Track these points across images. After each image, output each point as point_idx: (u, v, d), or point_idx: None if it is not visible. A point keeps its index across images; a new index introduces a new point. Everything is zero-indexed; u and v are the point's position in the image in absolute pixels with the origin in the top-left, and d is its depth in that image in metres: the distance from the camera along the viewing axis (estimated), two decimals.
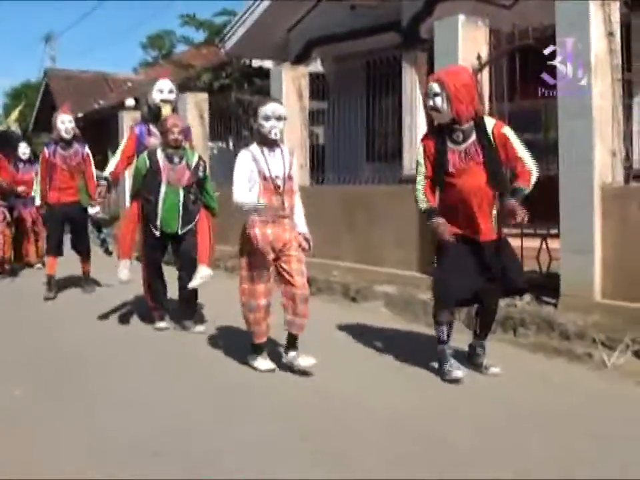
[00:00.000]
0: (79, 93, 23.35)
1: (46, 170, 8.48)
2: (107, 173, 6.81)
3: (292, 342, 5.13)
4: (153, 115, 6.81)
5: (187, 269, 6.53)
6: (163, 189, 6.38)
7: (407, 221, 7.47)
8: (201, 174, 6.51)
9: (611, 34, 6.07)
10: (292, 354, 5.10)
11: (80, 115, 21.56)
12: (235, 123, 13.05)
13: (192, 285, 6.45)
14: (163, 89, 6.81)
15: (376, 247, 8.53)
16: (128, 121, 14.78)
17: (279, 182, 5.06)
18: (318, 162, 10.59)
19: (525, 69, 6.97)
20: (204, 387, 4.86)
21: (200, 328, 6.57)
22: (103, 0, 52.85)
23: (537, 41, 6.75)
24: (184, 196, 6.44)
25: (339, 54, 12.10)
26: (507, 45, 7.17)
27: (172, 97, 6.88)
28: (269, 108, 5.04)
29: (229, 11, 15.04)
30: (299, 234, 5.16)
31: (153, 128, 6.76)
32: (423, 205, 4.90)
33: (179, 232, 6.49)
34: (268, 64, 14.06)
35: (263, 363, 5.21)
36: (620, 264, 5.85)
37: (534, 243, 6.80)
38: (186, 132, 6.72)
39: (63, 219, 8.56)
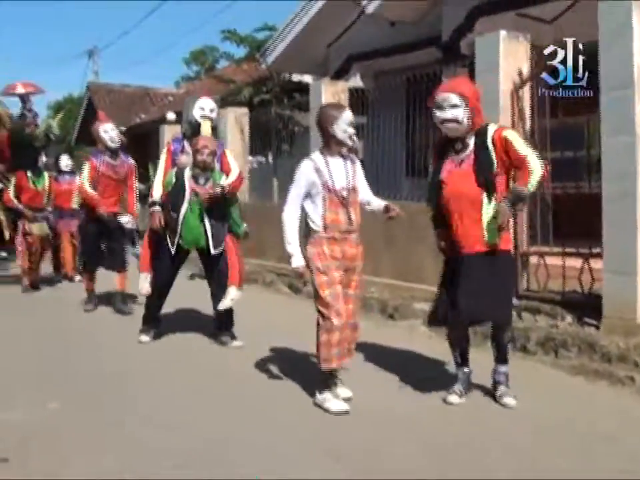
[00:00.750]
0: (121, 107, 23.63)
1: (92, 180, 8.19)
2: (157, 197, 6.69)
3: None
4: (192, 132, 6.77)
5: (220, 287, 6.62)
6: (184, 207, 6.42)
7: None
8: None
9: None
10: None
11: (122, 128, 21.83)
12: (274, 137, 13.10)
13: (223, 306, 6.57)
14: (204, 107, 6.81)
15: (415, 263, 8.46)
16: (169, 134, 14.91)
17: (344, 193, 4.74)
18: None
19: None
20: (237, 402, 4.84)
21: (237, 343, 6.61)
22: (155, 0, 53.59)
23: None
24: (209, 217, 6.45)
25: (379, 69, 12.07)
26: (548, 60, 7.07)
27: (213, 115, 6.88)
28: (350, 114, 4.83)
29: (270, 27, 15.12)
30: (384, 206, 4.95)
31: (187, 146, 6.74)
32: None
33: (212, 251, 6.51)
34: (308, 79, 14.10)
35: (335, 403, 4.66)
36: None
37: (576, 262, 6.66)
38: (219, 154, 6.74)
39: (101, 230, 8.32)
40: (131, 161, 8.58)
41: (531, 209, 6.92)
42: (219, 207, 6.50)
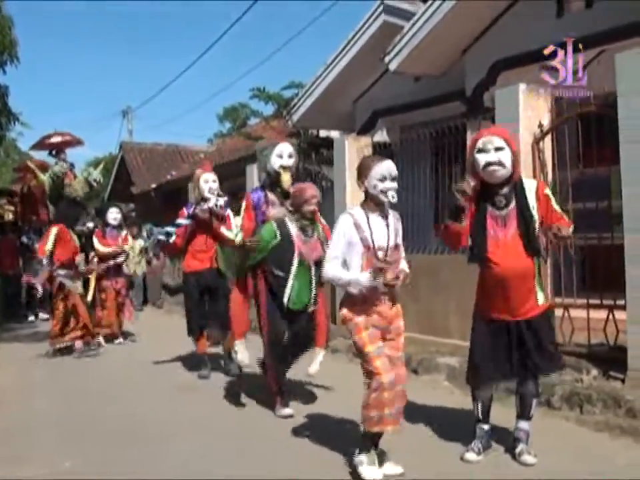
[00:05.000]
0: (152, 165, 24.04)
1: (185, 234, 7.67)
2: (239, 238, 6.11)
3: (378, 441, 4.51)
4: (271, 182, 6.30)
5: (299, 347, 6.13)
6: (295, 263, 5.81)
7: (471, 290, 7.33)
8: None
9: None
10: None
11: (153, 185, 22.15)
12: None
13: (313, 370, 6.09)
14: (282, 154, 6.25)
15: (439, 317, 8.39)
16: None
17: (383, 253, 4.39)
18: None
19: (588, 136, 6.84)
20: (267, 464, 4.71)
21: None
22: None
23: (600, 107, 6.64)
24: (315, 272, 5.78)
25: (404, 123, 12.12)
26: (568, 112, 7.07)
27: (291, 162, 6.30)
28: (385, 167, 4.41)
29: (297, 84, 15.28)
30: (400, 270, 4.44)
31: (271, 196, 6.24)
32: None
33: (309, 309, 5.97)
34: (335, 134, 14.19)
35: (370, 471, 4.34)
36: None
37: (601, 314, 6.56)
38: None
39: (202, 290, 7.84)
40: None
41: (554, 260, 6.84)
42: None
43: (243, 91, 47.57)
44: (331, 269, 4.43)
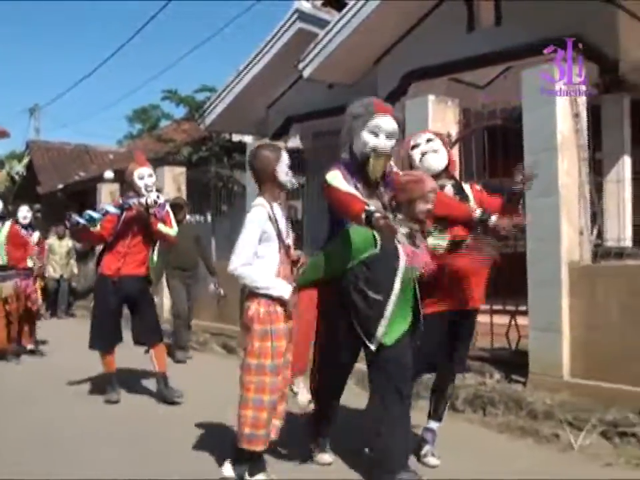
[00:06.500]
0: (60, 165, 23.46)
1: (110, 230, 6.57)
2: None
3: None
4: (357, 166, 4.34)
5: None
6: (397, 283, 4.14)
7: None
8: None
9: (576, 115, 6.19)
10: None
11: (60, 186, 21.68)
12: (213, 196, 13.10)
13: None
14: (377, 131, 4.25)
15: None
16: (106, 193, 14.89)
17: (289, 243, 4.29)
18: (298, 236, 10.56)
19: (494, 147, 7.07)
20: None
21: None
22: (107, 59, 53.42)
23: (505, 120, 6.87)
24: (416, 292, 4.30)
25: (318, 130, 12.23)
26: (475, 123, 7.29)
27: (390, 144, 4.28)
28: (286, 154, 4.38)
29: (209, 88, 15.24)
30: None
31: (360, 183, 4.30)
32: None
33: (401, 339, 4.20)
34: (249, 139, 14.20)
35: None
36: (588, 342, 5.82)
37: (503, 319, 6.78)
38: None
39: (121, 298, 6.72)
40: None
41: None
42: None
43: (155, 92, 47.21)
44: (245, 267, 4.08)
